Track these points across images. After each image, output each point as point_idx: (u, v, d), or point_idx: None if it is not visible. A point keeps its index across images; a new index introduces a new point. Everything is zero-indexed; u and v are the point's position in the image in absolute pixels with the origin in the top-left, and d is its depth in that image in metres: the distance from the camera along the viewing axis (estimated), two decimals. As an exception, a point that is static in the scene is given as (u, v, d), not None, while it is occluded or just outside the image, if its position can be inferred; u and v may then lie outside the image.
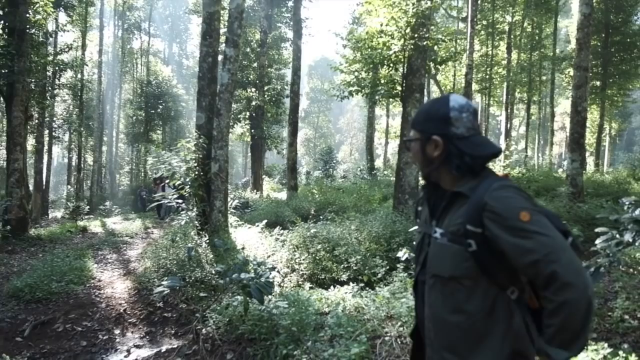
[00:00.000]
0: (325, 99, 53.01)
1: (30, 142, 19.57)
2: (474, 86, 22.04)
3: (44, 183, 21.57)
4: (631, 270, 4.61)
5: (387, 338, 3.77)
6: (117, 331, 5.45)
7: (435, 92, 26.89)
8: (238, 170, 50.91)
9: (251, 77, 19.07)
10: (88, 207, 16.81)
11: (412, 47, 8.33)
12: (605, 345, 3.05)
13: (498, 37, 22.52)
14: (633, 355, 2.95)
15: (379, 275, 5.73)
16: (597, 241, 3.95)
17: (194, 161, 7.81)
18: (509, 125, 23.12)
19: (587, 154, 23.28)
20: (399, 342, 3.70)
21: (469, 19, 15.08)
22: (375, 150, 38.14)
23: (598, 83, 20.39)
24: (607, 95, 20.75)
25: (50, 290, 6.14)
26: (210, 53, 8.33)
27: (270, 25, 19.93)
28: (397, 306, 4.21)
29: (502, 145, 21.47)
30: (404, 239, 6.83)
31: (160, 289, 3.57)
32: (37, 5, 12.01)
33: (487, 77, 22.37)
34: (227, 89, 7.79)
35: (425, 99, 26.34)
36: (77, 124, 22.72)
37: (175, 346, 4.73)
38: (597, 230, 4.06)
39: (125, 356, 4.85)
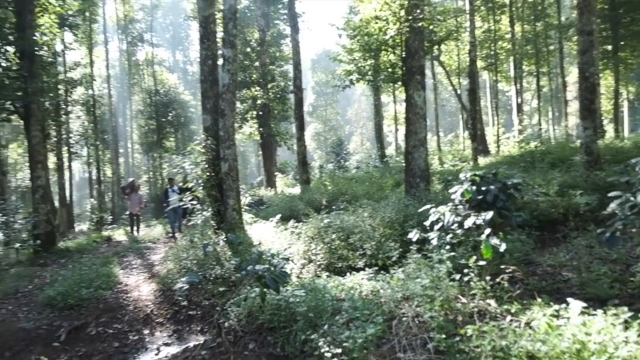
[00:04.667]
0: (331, 91, 52.86)
1: (52, 159, 20.19)
2: (479, 63, 21.78)
3: (68, 198, 22.21)
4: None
5: (404, 318, 3.86)
6: (146, 331, 5.68)
7: (440, 74, 26.65)
8: (252, 170, 51.30)
9: (254, 76, 19.23)
10: (111, 217, 17.27)
11: (407, 29, 8.34)
12: (626, 309, 2.98)
13: (499, 11, 22.17)
14: (654, 318, 2.87)
15: (394, 259, 5.82)
16: (611, 205, 3.81)
17: (204, 163, 8.01)
18: (519, 100, 22.78)
19: (606, 121, 22.78)
20: (416, 322, 3.77)
21: (468, -5, 14.99)
22: (386, 138, 38.01)
23: (609, 47, 19.88)
24: (620, 59, 20.20)
25: (81, 296, 6.42)
26: (209, 56, 8.49)
27: (268, 23, 20.04)
28: (412, 287, 4.29)
29: (515, 121, 21.24)
30: (417, 221, 6.89)
31: (179, 286, 3.76)
32: (43, 27, 12.35)
33: (492, 53, 22.04)
34: (229, 89, 7.94)
35: (430, 81, 26.19)
36: (93, 138, 23.26)
37: (201, 341, 4.93)
38: (610, 194, 3.97)
39: (155, 354, 5.05)
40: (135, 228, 14.32)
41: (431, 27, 8.91)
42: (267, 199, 14.28)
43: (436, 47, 13.47)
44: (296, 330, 3.91)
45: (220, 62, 8.86)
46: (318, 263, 6.64)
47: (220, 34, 9.68)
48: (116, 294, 6.90)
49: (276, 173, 20.91)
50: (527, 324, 3.13)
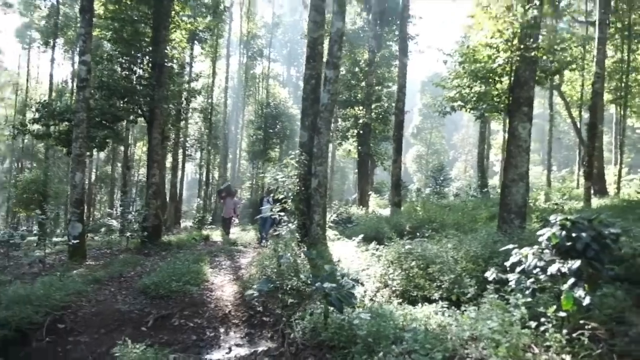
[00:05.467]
0: (438, 115, 51.53)
1: (169, 159, 22.53)
2: (606, 96, 19.74)
3: (178, 195, 24.51)
4: None
5: (467, 359, 3.69)
6: (222, 330, 6.05)
7: (559, 104, 24.64)
8: (350, 187, 51.80)
9: (359, 95, 19.58)
10: (211, 218, 18.65)
11: (518, 58, 7.92)
12: None
13: (637, 40, 19.91)
14: None
15: (469, 295, 5.54)
16: None
17: (296, 177, 8.37)
18: (654, 138, 20.14)
19: None
20: (480, 365, 3.60)
21: (597, 22, 13.78)
22: (492, 167, 35.99)
23: None
24: None
25: (171, 288, 7.02)
26: (313, 75, 8.91)
27: (380, 45, 20.31)
28: (481, 328, 4.07)
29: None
30: (503, 259, 6.46)
31: (250, 292, 3.98)
32: (174, 42, 13.97)
33: (622, 85, 19.84)
34: (327, 108, 8.25)
35: (547, 112, 24.27)
36: (206, 143, 25.46)
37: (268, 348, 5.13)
38: None
39: (226, 352, 5.36)
40: (228, 231, 15.22)
41: (544, 57, 8.35)
42: (356, 218, 14.35)
43: (554, 76, 12.46)
44: (354, 353, 3.92)
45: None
46: (393, 289, 6.54)
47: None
48: (202, 290, 7.43)
49: (370, 192, 20.94)
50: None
